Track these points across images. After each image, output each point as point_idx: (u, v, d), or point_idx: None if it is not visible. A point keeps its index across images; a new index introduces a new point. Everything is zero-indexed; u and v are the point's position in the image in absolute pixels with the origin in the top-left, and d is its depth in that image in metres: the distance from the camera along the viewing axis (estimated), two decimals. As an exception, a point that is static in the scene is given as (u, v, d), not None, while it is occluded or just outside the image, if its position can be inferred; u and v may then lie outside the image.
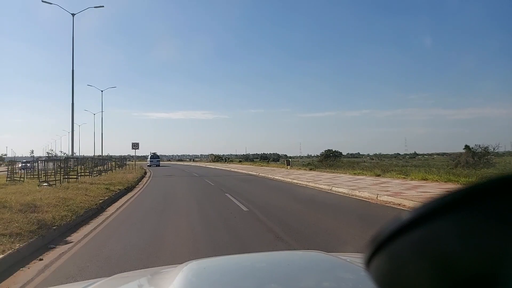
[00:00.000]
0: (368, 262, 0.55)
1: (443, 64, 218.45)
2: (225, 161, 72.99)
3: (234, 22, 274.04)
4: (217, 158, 70.48)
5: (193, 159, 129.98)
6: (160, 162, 53.57)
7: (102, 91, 44.77)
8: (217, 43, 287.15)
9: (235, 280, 1.35)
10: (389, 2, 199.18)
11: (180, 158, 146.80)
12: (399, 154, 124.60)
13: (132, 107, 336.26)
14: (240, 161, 66.23)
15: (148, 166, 44.72)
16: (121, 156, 65.40)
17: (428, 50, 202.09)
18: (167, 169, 39.65)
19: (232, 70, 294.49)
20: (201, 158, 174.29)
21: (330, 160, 35.49)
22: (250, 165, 47.77)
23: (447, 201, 0.45)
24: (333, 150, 47.09)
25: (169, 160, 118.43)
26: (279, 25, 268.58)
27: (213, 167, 43.91)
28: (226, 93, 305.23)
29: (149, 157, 52.64)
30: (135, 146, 38.70)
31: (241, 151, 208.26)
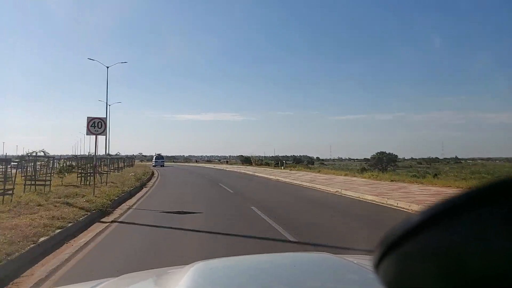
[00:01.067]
0: (377, 264, 0.54)
1: (481, 66, 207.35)
2: (257, 164, 50.08)
3: (266, 23, 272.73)
4: (247, 160, 61.18)
5: (219, 161, 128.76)
6: (188, 163, 63.70)
7: (107, 67, 37.21)
8: (249, 45, 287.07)
9: (241, 281, 1.36)
10: (427, 1, 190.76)
11: (209, 159, 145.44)
12: (438, 158, 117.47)
13: (162, 109, 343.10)
14: (277, 165, 42.93)
15: (153, 166, 45.75)
16: (128, 155, 67.60)
17: (466, 51, 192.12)
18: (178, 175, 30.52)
19: (262, 72, 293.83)
20: (230, 159, 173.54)
21: (383, 163, 31.66)
22: (305, 171, 32.19)
23: (457, 203, 0.44)
24: (387, 152, 41.64)
25: (197, 161, 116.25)
26: (311, 26, 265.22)
27: (246, 172, 32.88)
28: (255, 95, 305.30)
29: (154, 158, 55.14)
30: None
31: (270, 153, 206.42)
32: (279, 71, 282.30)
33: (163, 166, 49.43)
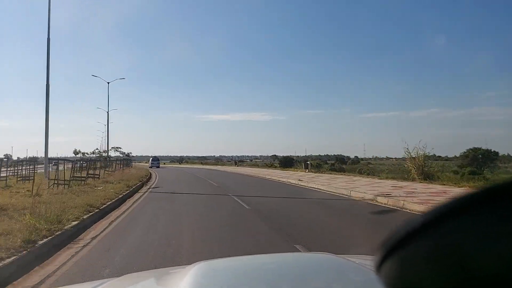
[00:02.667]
0: (379, 265, 0.54)
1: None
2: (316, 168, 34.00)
3: (295, 21, 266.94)
4: (288, 161, 50.01)
5: (237, 161, 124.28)
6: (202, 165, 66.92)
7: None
8: (277, 43, 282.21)
9: (243, 281, 1.36)
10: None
11: (241, 159, 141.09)
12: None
13: (193, 110, 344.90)
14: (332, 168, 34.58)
15: (149, 167, 48.76)
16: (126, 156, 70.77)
17: (508, 42, 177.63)
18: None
19: (289, 70, 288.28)
20: (262, 159, 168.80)
21: (479, 163, 24.03)
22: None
23: (461, 204, 0.45)
24: (482, 148, 32.57)
25: (236, 162, 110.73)
26: (340, 23, 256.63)
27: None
28: (283, 94, 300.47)
29: (150, 160, 58.99)
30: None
31: (301, 152, 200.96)
32: (307, 68, 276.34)
33: (158, 167, 52.79)
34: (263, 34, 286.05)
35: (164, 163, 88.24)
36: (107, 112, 43.81)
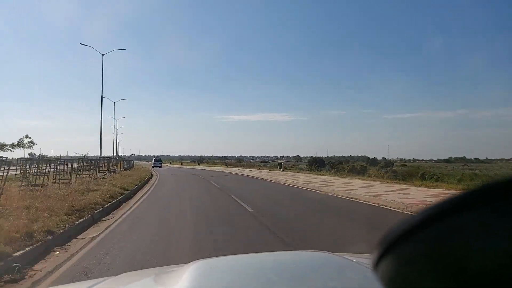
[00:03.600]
0: (376, 263, 0.54)
1: None
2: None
3: (320, 20, 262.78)
4: (318, 162, 41.60)
5: (273, 161, 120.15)
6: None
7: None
8: (299, 42, 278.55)
9: (241, 280, 1.35)
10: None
11: (264, 160, 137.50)
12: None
13: (213, 110, 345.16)
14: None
15: (152, 167, 51.78)
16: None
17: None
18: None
19: (313, 70, 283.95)
20: (283, 160, 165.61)
21: None
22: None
23: (458, 202, 0.45)
24: None
25: (250, 161, 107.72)
26: (362, 23, 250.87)
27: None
28: (305, 94, 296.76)
29: (153, 160, 63.16)
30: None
31: (323, 153, 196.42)
32: (329, 68, 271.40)
33: (160, 167, 55.36)
34: (286, 33, 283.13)
35: (182, 163, 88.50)
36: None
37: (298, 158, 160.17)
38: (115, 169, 25.07)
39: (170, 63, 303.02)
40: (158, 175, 29.31)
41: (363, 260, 1.50)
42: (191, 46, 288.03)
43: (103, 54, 29.63)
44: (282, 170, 34.29)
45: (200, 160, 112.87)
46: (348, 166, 26.98)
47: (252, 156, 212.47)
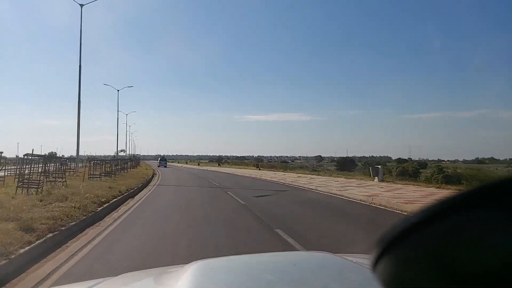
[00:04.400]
0: (375, 263, 0.54)
1: None
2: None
3: (338, 20, 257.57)
4: (347, 163, 36.04)
5: (292, 161, 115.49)
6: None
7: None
8: (313, 41, 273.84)
9: (241, 280, 1.35)
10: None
11: (284, 160, 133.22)
12: None
13: (232, 110, 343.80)
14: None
15: (157, 166, 54.12)
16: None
17: None
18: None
19: (328, 70, 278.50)
20: (302, 160, 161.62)
21: None
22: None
23: (454, 203, 0.45)
24: None
25: (269, 161, 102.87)
26: (381, 21, 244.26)
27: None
28: (322, 94, 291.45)
29: (158, 159, 67.03)
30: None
31: (342, 153, 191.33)
32: (349, 65, 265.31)
33: (165, 166, 56.97)
34: (302, 34, 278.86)
35: (199, 164, 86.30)
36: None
37: (319, 158, 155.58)
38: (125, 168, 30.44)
39: (186, 67, 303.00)
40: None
41: (363, 261, 1.49)
42: (204, 46, 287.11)
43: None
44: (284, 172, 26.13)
45: (218, 160, 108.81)
46: (397, 168, 22.51)
47: (270, 156, 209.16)
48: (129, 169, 30.18)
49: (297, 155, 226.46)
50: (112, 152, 69.56)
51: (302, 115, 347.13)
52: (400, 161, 64.47)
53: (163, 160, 63.20)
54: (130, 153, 63.29)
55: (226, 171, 38.42)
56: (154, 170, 37.45)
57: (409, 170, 25.13)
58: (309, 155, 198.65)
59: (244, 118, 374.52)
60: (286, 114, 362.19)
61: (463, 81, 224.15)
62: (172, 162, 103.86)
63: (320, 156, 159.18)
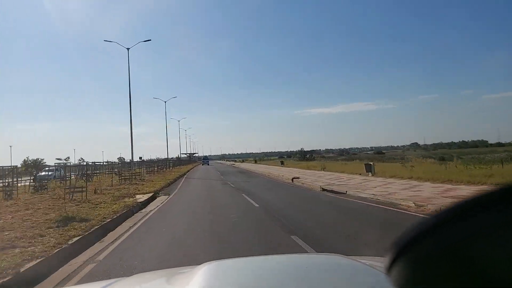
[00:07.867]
0: (390, 266, 0.53)
1: None
2: None
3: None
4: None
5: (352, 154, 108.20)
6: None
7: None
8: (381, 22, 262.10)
9: (252, 282, 1.35)
10: None
11: (348, 152, 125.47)
12: None
13: (292, 105, 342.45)
14: None
15: (202, 164, 68.57)
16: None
17: None
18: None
19: (399, 52, 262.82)
20: (362, 152, 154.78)
21: None
22: None
23: (470, 205, 0.45)
24: None
25: (338, 154, 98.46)
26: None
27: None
28: (390, 80, 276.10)
29: (202, 159, 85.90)
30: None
31: (406, 142, 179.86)
32: (418, 48, 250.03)
33: (208, 164, 71.38)
34: (373, 15, 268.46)
35: (256, 161, 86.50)
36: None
37: (415, 145, 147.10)
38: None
39: (250, 66, 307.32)
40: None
41: (376, 263, 1.48)
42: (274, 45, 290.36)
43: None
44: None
45: (287, 155, 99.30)
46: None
47: (332, 150, 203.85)
48: (171, 167, 47.95)
49: (359, 146, 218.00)
50: (163, 155, 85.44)
51: (369, 104, 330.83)
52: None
53: (206, 159, 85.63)
54: (189, 153, 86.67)
55: (259, 170, 36.44)
56: (193, 167, 56.51)
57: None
58: (383, 145, 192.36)
59: (307, 112, 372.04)
60: (351, 105, 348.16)
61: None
62: (227, 161, 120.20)
63: (416, 143, 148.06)
